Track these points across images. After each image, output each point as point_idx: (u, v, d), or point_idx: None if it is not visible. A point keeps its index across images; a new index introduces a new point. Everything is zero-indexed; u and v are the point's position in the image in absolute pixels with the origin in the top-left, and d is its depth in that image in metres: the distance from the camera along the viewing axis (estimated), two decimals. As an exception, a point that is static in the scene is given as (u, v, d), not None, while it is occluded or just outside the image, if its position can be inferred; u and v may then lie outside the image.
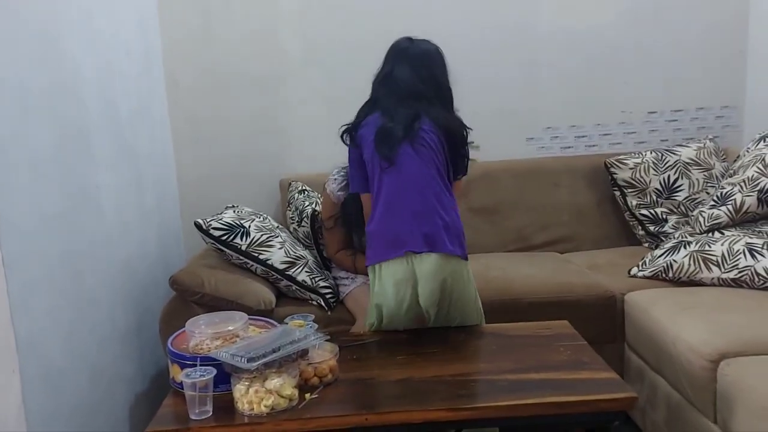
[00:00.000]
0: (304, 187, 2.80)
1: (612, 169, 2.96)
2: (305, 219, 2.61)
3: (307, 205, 2.65)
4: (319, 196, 2.71)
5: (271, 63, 3.03)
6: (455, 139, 2.06)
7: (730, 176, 2.72)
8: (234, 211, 2.49)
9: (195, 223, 2.35)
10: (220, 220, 2.38)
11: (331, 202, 2.40)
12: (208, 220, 2.36)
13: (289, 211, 2.76)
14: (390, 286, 1.98)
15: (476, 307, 2.11)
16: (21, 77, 1.65)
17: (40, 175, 1.72)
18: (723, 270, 2.38)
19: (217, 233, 2.34)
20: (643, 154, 2.96)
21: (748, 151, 2.73)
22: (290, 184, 2.87)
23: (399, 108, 2.05)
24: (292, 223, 2.71)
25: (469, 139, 2.14)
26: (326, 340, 1.81)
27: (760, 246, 2.37)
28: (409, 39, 2.18)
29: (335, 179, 2.38)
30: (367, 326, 2.10)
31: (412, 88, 2.07)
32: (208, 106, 3.04)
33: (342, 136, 2.14)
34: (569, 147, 3.18)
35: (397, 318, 2.03)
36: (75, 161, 1.94)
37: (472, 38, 3.07)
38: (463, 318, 2.08)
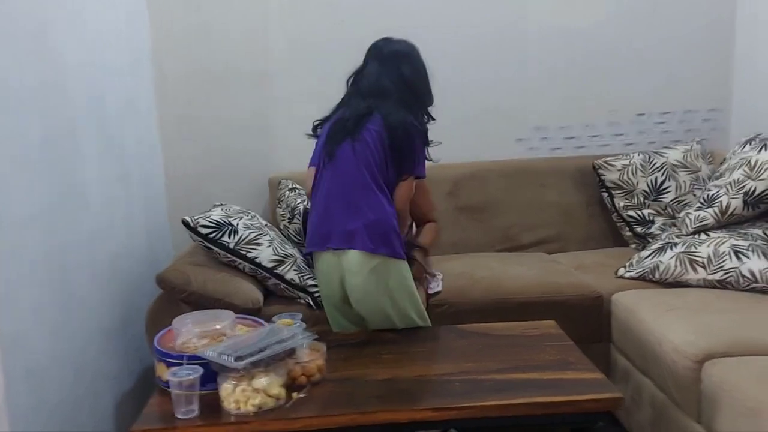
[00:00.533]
0: (294, 185, 2.79)
1: (600, 171, 2.97)
2: (297, 216, 2.61)
3: (299, 203, 2.65)
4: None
5: (260, 60, 3.02)
6: (397, 139, 2.05)
7: (717, 179, 2.73)
8: (222, 209, 2.48)
9: (183, 221, 2.34)
10: (208, 217, 2.37)
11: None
12: (195, 217, 2.35)
13: (280, 208, 2.76)
14: (321, 275, 2.13)
15: (415, 308, 2.10)
16: (7, 72, 1.64)
17: (26, 170, 1.71)
18: (709, 271, 2.40)
19: (204, 231, 2.33)
20: (631, 155, 2.98)
21: (734, 154, 2.75)
22: (280, 182, 2.86)
23: (358, 104, 2.11)
24: (283, 220, 2.70)
25: (431, 139, 2.16)
26: (314, 339, 1.81)
27: (746, 248, 2.39)
28: (386, 39, 2.23)
29: None
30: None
31: (375, 84, 2.13)
32: (197, 103, 3.02)
33: (314, 130, 2.23)
34: (558, 148, 3.19)
35: (333, 309, 2.15)
36: (61, 157, 1.92)
37: (462, 37, 3.08)
38: (401, 318, 2.08)
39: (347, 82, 2.22)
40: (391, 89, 2.11)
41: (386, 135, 2.05)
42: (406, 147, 2.07)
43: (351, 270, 2.02)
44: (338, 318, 2.17)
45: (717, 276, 2.38)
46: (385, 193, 2.06)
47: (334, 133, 2.09)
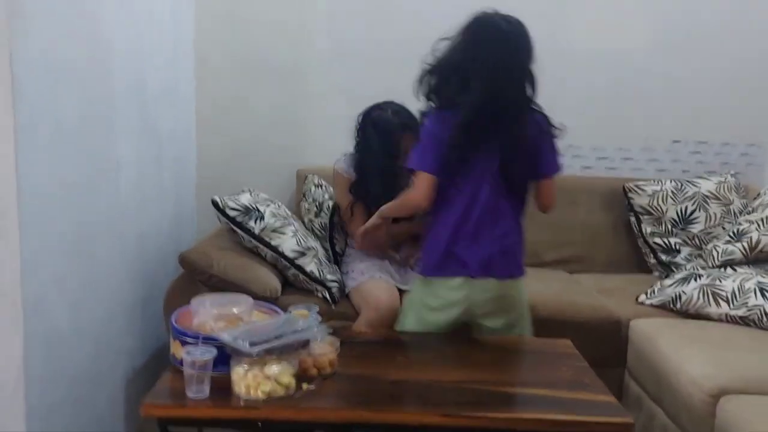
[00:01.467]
0: (320, 181, 2.81)
1: (630, 194, 2.94)
2: (325, 210, 2.62)
3: (327, 198, 2.66)
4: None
5: (299, 54, 3.05)
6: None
7: (748, 213, 2.70)
8: (251, 195, 2.50)
9: (212, 201, 2.36)
10: (237, 201, 2.39)
11: (345, 181, 2.48)
12: (225, 199, 2.38)
13: (305, 202, 2.77)
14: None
15: None
16: (54, 45, 1.66)
17: (62, 142, 1.73)
18: (732, 306, 2.36)
19: (232, 213, 2.35)
20: (663, 182, 2.95)
21: (768, 191, 2.71)
22: (306, 177, 2.88)
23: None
24: (308, 213, 2.71)
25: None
26: (329, 334, 1.81)
27: (772, 286, 2.35)
28: (503, 18, 1.95)
29: (343, 160, 2.51)
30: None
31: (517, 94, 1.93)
32: (234, 92, 3.05)
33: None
34: (589, 167, 3.16)
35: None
36: (98, 132, 1.95)
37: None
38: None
39: (463, 61, 1.94)
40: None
41: None
42: None
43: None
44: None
45: (740, 312, 2.35)
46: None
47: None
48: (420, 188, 1.95)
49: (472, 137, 1.90)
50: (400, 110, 2.44)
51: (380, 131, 2.43)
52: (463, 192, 1.95)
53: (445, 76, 1.92)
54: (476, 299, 2.01)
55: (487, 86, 1.86)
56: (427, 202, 1.96)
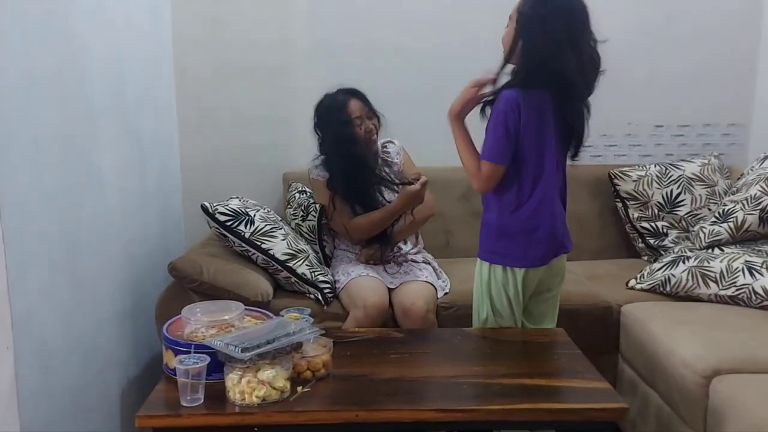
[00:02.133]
0: (304, 188, 2.80)
1: (615, 181, 2.96)
2: (312, 213, 2.62)
3: (313, 201, 2.66)
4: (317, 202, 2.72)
5: (280, 55, 3.03)
6: None
7: (733, 194, 2.72)
8: (240, 200, 2.49)
9: (201, 206, 2.36)
10: (227, 206, 2.39)
11: (321, 183, 2.51)
12: (214, 204, 2.37)
13: (290, 208, 2.76)
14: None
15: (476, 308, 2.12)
16: (28, 53, 1.65)
17: (42, 152, 1.72)
18: (721, 287, 2.38)
19: (222, 218, 2.34)
20: (647, 167, 2.96)
21: (752, 170, 2.73)
22: (290, 185, 2.87)
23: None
24: (294, 219, 2.71)
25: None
26: (321, 335, 1.81)
27: (759, 265, 2.37)
28: None
29: (315, 165, 2.55)
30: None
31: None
32: (216, 95, 3.04)
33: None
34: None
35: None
36: (78, 141, 1.93)
37: (480, 42, 3.05)
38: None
39: (539, 43, 1.88)
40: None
41: None
42: None
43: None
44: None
45: (729, 292, 2.37)
46: (497, 191, 2.01)
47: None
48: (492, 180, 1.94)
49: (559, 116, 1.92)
50: (339, 86, 2.51)
51: (325, 108, 2.49)
52: (522, 174, 1.94)
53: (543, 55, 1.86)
54: (548, 278, 2.07)
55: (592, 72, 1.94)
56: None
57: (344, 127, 2.43)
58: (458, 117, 2.02)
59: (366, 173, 2.46)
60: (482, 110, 1.99)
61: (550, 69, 1.85)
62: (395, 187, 2.51)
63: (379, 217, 2.45)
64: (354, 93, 2.49)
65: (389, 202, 2.48)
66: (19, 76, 1.61)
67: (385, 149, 2.60)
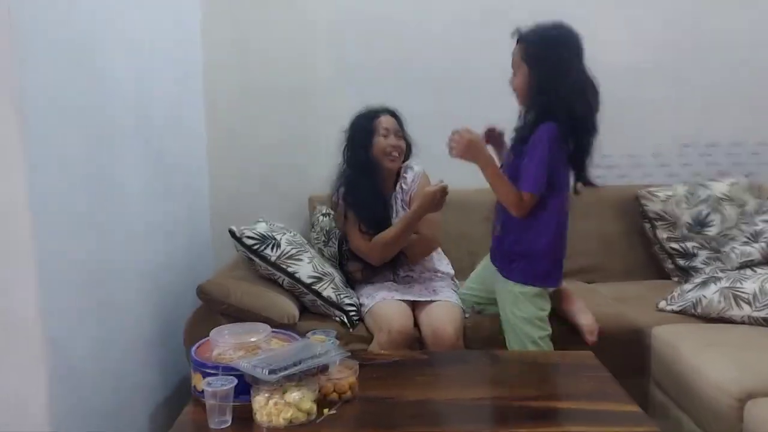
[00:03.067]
0: (328, 211, 2.82)
1: (643, 201, 2.93)
2: (333, 239, 2.64)
3: (335, 227, 2.68)
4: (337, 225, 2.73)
5: (306, 79, 3.08)
6: None
7: (764, 213, 2.68)
8: (267, 224, 2.52)
9: (229, 230, 2.39)
10: (254, 230, 2.42)
11: (336, 206, 2.54)
12: (241, 228, 2.40)
13: (314, 232, 2.79)
14: None
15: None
16: (57, 83, 1.69)
17: (71, 176, 1.75)
18: (754, 308, 2.34)
19: (249, 242, 2.37)
20: (675, 187, 2.93)
21: (783, 189, 2.69)
22: (315, 207, 2.90)
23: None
24: (317, 243, 2.73)
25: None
26: (347, 357, 1.82)
27: (793, 285, 2.32)
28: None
29: (336, 190, 2.54)
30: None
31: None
32: (245, 119, 3.09)
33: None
34: (599, 177, 3.14)
35: None
36: (106, 164, 1.96)
37: (504, 63, 3.08)
38: None
39: (564, 84, 2.07)
40: None
41: None
42: None
43: None
44: None
45: (763, 313, 2.32)
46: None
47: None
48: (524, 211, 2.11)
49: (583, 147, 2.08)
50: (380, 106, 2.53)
51: (356, 119, 2.51)
52: (560, 200, 2.11)
53: (563, 89, 2.03)
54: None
55: (595, 96, 2.09)
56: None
57: (369, 135, 2.45)
58: (483, 151, 2.16)
59: (372, 185, 2.48)
60: (513, 147, 2.17)
61: (570, 101, 2.02)
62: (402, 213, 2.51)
63: (394, 231, 2.43)
64: (391, 111, 2.52)
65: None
66: (50, 106, 1.65)
67: (404, 174, 2.59)
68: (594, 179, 2.16)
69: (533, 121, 2.07)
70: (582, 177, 2.14)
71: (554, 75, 2.02)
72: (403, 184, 2.57)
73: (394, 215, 2.52)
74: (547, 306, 2.21)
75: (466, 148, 2.13)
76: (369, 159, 2.46)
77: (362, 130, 2.48)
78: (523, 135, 2.10)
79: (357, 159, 2.48)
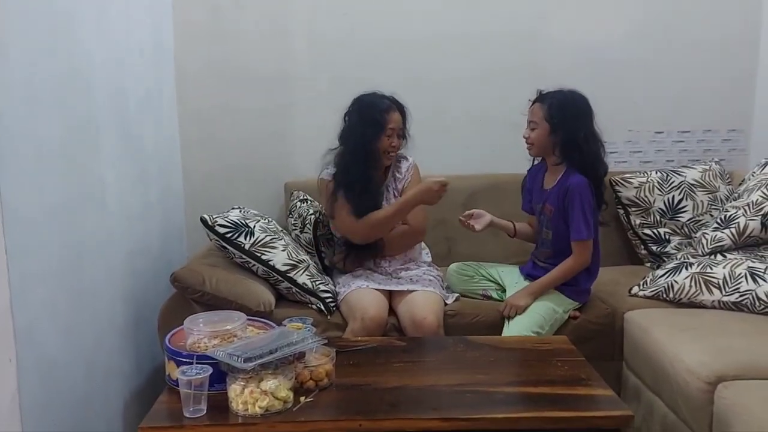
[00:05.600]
0: (306, 196, 2.80)
1: (617, 188, 2.95)
2: (308, 225, 2.62)
3: (311, 213, 2.66)
4: (322, 207, 2.71)
5: (281, 64, 3.04)
6: None
7: (735, 199, 2.72)
8: (240, 212, 2.50)
9: (201, 219, 2.36)
10: (226, 217, 2.39)
11: (326, 186, 2.49)
12: (213, 216, 2.37)
13: (291, 218, 2.77)
14: None
15: None
16: (31, 66, 1.65)
17: (44, 165, 1.71)
18: (724, 293, 2.38)
19: (221, 230, 2.34)
20: (649, 173, 2.96)
21: (753, 176, 2.73)
22: (292, 193, 2.88)
23: None
24: (294, 229, 2.71)
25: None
26: (323, 344, 1.81)
27: (762, 270, 2.36)
28: None
29: (325, 164, 2.52)
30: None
31: None
32: (217, 104, 3.04)
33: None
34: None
35: None
36: (80, 152, 1.93)
37: (478, 48, 3.08)
38: None
39: (585, 135, 2.38)
40: None
41: None
42: None
43: None
44: None
45: (732, 298, 2.36)
46: None
47: None
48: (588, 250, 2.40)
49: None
50: (390, 95, 2.50)
51: (366, 106, 2.46)
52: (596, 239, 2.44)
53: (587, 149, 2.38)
54: None
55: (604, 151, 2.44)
56: None
57: (377, 129, 2.42)
58: (532, 291, 2.41)
59: (367, 172, 2.46)
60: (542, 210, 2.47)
61: (593, 160, 2.37)
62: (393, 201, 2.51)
63: (385, 213, 2.43)
64: (400, 106, 2.49)
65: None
66: (23, 89, 1.61)
67: (397, 163, 2.58)
68: (603, 219, 2.53)
69: (564, 173, 2.39)
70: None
71: (576, 131, 2.34)
72: (396, 173, 2.56)
73: (384, 203, 2.51)
74: (565, 317, 2.39)
75: (524, 304, 2.36)
76: (371, 150, 2.44)
77: (373, 123, 2.43)
78: (555, 189, 2.41)
79: (358, 147, 2.43)
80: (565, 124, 2.34)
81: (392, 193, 2.55)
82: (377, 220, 2.42)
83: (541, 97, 2.40)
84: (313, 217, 2.63)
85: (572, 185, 2.34)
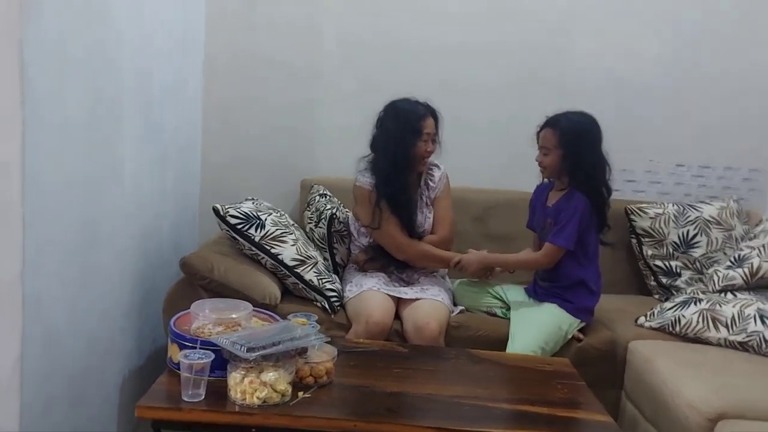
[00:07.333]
0: (325, 191, 2.81)
1: (632, 216, 2.94)
2: (323, 220, 2.62)
3: (328, 208, 2.66)
4: (340, 203, 2.71)
5: (310, 60, 3.05)
6: None
7: (750, 239, 2.70)
8: (253, 203, 2.50)
9: (213, 208, 2.37)
10: (238, 208, 2.39)
11: (366, 193, 2.47)
12: (226, 206, 2.38)
13: (308, 211, 2.77)
14: None
15: None
16: (63, 36, 1.65)
17: (69, 137, 1.72)
18: (731, 332, 2.36)
19: (233, 221, 2.35)
20: (665, 205, 2.95)
21: (771, 217, 2.72)
22: (312, 186, 2.88)
23: None
24: (310, 223, 2.71)
25: None
26: (326, 342, 1.81)
27: (772, 313, 2.34)
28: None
29: (361, 173, 2.50)
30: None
31: None
32: (242, 95, 3.05)
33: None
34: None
35: None
36: (104, 129, 1.94)
37: (503, 66, 3.08)
38: None
39: (598, 155, 2.43)
40: None
41: None
42: None
43: None
44: None
45: (739, 338, 2.34)
46: None
47: None
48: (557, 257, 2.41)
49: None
50: (422, 101, 2.49)
51: (401, 112, 2.44)
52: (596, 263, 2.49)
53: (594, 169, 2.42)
54: None
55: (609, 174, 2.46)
56: None
57: (414, 135, 2.41)
58: (491, 259, 2.54)
59: (406, 180, 2.47)
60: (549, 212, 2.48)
61: (597, 180, 2.40)
62: (426, 209, 2.53)
63: (439, 255, 2.50)
64: (434, 112, 2.48)
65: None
66: (54, 59, 1.61)
67: (430, 171, 2.58)
68: (607, 240, 2.52)
69: (567, 192, 2.42)
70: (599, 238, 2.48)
71: (586, 157, 2.38)
72: (429, 181, 2.57)
73: (418, 212, 2.52)
74: (569, 337, 2.39)
75: (478, 266, 2.48)
76: (408, 157, 2.43)
77: (411, 130, 2.42)
78: (557, 204, 2.45)
79: (396, 154, 2.42)
80: (578, 149, 2.37)
81: (425, 201, 2.55)
82: (430, 255, 2.49)
83: (552, 122, 2.40)
84: (329, 212, 2.63)
85: (573, 200, 2.38)
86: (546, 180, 2.55)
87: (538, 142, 2.44)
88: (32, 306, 1.60)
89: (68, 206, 1.75)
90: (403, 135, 2.41)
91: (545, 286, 2.48)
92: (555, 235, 2.38)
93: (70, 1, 1.68)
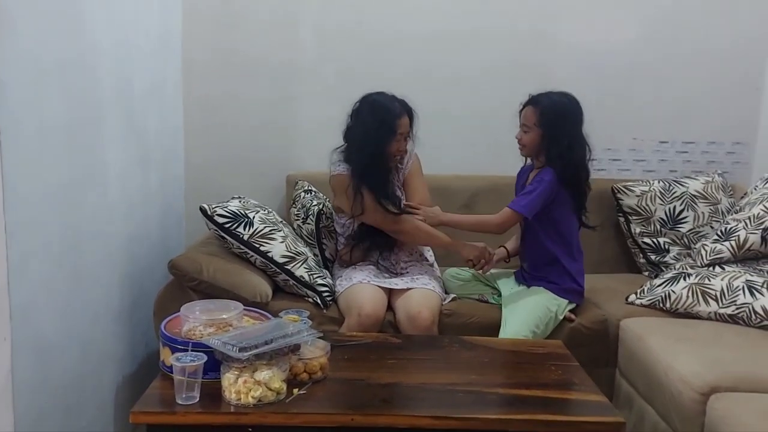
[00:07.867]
0: (310, 187, 2.80)
1: (618, 195, 2.96)
2: (311, 216, 2.62)
3: (314, 204, 2.65)
4: (326, 198, 2.70)
5: (289, 55, 3.03)
6: None
7: (736, 212, 2.72)
8: (240, 201, 2.49)
9: (200, 208, 2.36)
10: (226, 207, 2.38)
11: (342, 179, 2.46)
12: (213, 206, 2.37)
13: (294, 208, 2.76)
14: None
15: None
16: (37, 43, 1.63)
17: (47, 144, 1.70)
18: (721, 305, 2.38)
19: (220, 220, 2.34)
20: (651, 182, 2.96)
21: (755, 189, 2.73)
22: (297, 183, 2.87)
23: None
24: (297, 220, 2.71)
25: None
26: (319, 338, 1.81)
27: (760, 284, 2.36)
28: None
29: (335, 164, 2.50)
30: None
31: None
32: (222, 93, 3.03)
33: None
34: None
35: None
36: (83, 134, 1.92)
37: (485, 50, 3.07)
38: None
39: (579, 136, 2.42)
40: None
41: None
42: None
43: None
44: None
45: (729, 310, 2.36)
46: None
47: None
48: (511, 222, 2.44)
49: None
50: (399, 98, 2.47)
51: (378, 108, 2.42)
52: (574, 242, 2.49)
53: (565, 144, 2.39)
54: None
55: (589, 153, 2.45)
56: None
57: (389, 134, 2.40)
58: (442, 217, 2.53)
59: (380, 172, 2.47)
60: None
61: (570, 158, 2.37)
62: (397, 199, 2.52)
63: (427, 231, 2.49)
64: (410, 111, 2.47)
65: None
66: (29, 66, 1.60)
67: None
68: (588, 222, 2.51)
69: (539, 165, 2.44)
70: (580, 220, 2.48)
71: (563, 137, 2.36)
72: (399, 164, 2.56)
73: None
74: (560, 318, 2.40)
75: (434, 222, 2.50)
76: (382, 153, 2.43)
77: (386, 128, 2.40)
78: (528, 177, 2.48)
79: (370, 149, 2.40)
80: (557, 129, 2.37)
81: (397, 185, 2.55)
82: (418, 230, 2.48)
83: (534, 101, 2.41)
84: (316, 208, 2.62)
85: (539, 174, 2.40)
86: (528, 161, 2.54)
87: (520, 120, 2.45)
88: (21, 316, 1.59)
89: (51, 213, 1.74)
90: (377, 132, 2.41)
91: (526, 268, 2.51)
92: (514, 201, 2.41)
93: (45, 12, 1.67)
